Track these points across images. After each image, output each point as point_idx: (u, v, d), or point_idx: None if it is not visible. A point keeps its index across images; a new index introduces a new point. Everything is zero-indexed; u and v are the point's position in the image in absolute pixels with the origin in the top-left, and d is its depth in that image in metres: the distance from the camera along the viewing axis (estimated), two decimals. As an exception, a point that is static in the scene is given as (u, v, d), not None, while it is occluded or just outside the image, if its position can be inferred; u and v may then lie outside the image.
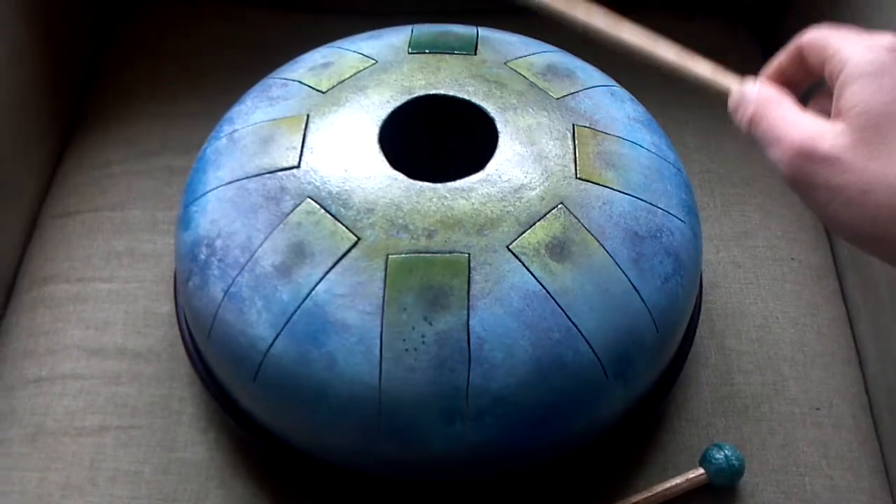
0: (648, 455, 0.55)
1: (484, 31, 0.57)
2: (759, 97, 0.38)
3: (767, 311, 0.61)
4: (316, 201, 0.47)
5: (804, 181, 0.36)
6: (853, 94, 0.35)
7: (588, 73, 0.56)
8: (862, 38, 0.37)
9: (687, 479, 0.53)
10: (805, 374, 0.59)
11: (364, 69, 0.53)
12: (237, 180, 0.50)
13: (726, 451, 0.53)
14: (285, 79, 0.55)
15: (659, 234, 0.49)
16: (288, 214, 0.47)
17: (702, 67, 0.41)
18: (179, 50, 0.75)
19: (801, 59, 0.39)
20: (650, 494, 0.53)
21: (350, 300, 0.45)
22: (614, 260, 0.47)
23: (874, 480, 0.56)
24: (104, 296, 0.61)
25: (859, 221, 0.35)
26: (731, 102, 0.40)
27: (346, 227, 0.46)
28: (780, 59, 0.40)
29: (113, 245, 0.64)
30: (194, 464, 0.54)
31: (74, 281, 0.62)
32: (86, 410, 0.56)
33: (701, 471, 0.53)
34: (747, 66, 0.67)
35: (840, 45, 0.37)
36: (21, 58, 0.66)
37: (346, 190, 0.47)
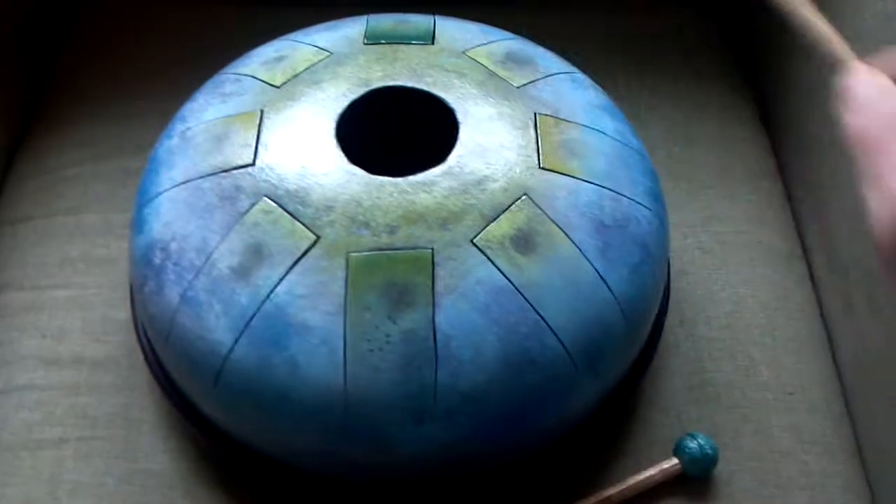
0: (621, 447, 0.55)
1: (441, 20, 0.56)
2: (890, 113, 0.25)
3: (737, 296, 0.61)
4: (273, 200, 0.46)
5: None
6: None
7: (548, 61, 0.55)
8: None
9: (661, 470, 0.52)
10: (776, 359, 0.58)
11: (319, 62, 0.52)
12: (191, 180, 0.48)
13: (700, 440, 0.52)
14: (238, 74, 0.53)
15: (625, 223, 0.48)
16: (244, 214, 0.46)
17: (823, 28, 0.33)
18: (134, 48, 0.74)
19: None
20: (625, 486, 0.52)
21: (311, 301, 0.44)
22: (581, 251, 0.46)
23: (848, 464, 0.55)
24: (60, 303, 0.59)
25: None
26: (842, 96, 0.27)
27: (305, 226, 0.45)
28: None
29: (67, 251, 0.62)
30: (157, 473, 0.53)
31: (29, 289, 0.60)
32: (44, 422, 0.55)
33: (675, 461, 0.53)
34: (716, 65, 0.67)
35: None
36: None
37: (304, 187, 0.46)
